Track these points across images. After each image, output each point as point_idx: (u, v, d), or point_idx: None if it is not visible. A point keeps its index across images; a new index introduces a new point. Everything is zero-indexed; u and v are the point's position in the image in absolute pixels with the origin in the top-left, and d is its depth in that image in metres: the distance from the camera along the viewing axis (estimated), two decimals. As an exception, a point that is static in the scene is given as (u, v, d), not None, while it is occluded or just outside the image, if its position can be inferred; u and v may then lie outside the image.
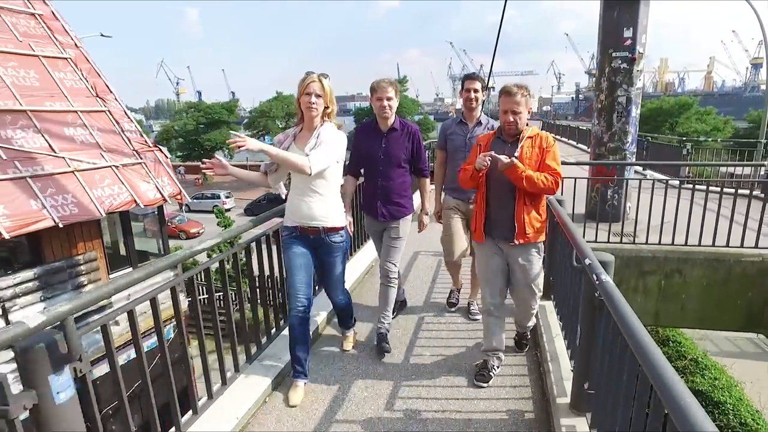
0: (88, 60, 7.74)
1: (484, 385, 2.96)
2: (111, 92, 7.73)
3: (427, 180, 3.54)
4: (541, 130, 3.00)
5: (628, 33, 5.78)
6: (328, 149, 2.73)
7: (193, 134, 40.97)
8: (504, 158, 2.67)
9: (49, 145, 6.40)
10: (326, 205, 2.85)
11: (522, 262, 2.89)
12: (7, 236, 5.38)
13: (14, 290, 6.04)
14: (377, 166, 3.36)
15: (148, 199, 7.09)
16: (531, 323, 3.23)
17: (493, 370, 3.03)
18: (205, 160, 2.71)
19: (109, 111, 7.46)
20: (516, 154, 2.75)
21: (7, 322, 5.92)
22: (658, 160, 12.06)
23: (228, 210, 28.75)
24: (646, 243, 4.90)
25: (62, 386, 1.55)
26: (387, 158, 3.34)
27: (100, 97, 7.49)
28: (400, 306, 4.05)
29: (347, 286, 3.40)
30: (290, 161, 2.65)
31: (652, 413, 1.37)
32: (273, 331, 3.48)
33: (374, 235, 3.66)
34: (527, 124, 2.86)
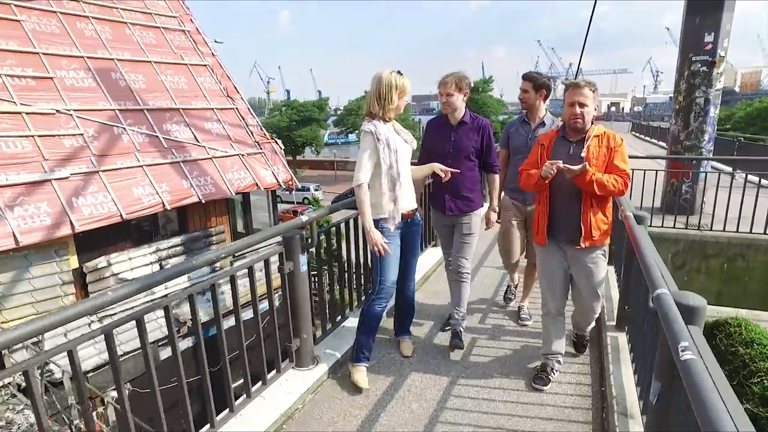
0: (221, 66, 9.23)
1: (544, 388, 2.89)
2: (237, 93, 9.17)
3: (496, 176, 3.48)
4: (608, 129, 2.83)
5: (709, 38, 6.14)
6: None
7: (286, 130, 43.79)
8: (575, 168, 2.55)
9: (194, 137, 7.87)
10: (413, 189, 3.08)
11: (588, 266, 2.79)
12: (168, 207, 6.84)
13: (167, 252, 7.55)
14: (446, 159, 3.27)
15: (266, 183, 8.40)
16: (591, 326, 3.15)
17: (552, 374, 2.96)
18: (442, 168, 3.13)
19: (236, 108, 8.89)
20: (582, 154, 2.63)
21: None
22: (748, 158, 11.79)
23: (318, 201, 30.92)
24: (711, 229, 5.32)
25: (303, 262, 2.79)
26: (456, 151, 3.30)
27: (230, 97, 8.94)
28: (461, 333, 3.76)
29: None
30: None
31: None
32: (339, 318, 3.67)
33: (442, 230, 3.58)
34: (593, 123, 2.73)
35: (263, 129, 9.19)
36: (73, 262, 6.54)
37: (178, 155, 7.39)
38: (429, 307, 4.13)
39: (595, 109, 2.68)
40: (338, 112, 52.14)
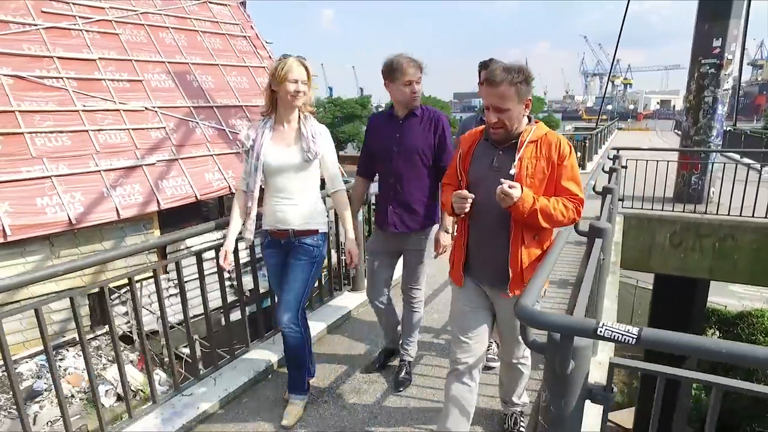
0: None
1: None
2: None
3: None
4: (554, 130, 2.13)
5: (717, 42, 6.74)
6: (334, 154, 2.56)
7: (330, 127, 45.05)
8: (511, 193, 1.81)
9: (255, 130, 9.05)
10: (303, 207, 2.49)
11: (512, 316, 1.85)
12: (234, 191, 8.03)
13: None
14: (391, 161, 2.68)
15: (316, 172, 9.51)
16: (522, 399, 2.43)
17: None
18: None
19: (291, 106, 10.04)
20: (512, 171, 1.91)
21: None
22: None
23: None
24: (705, 213, 6.00)
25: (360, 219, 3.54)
26: (403, 151, 2.65)
27: (285, 96, 10.10)
28: (410, 367, 3.10)
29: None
30: (349, 222, 2.63)
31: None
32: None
33: (382, 253, 2.89)
34: (530, 121, 2.00)
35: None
36: (157, 234, 7.80)
37: (241, 146, 8.57)
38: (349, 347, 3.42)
39: (526, 106, 1.91)
40: (379, 110, 53.36)
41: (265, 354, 3.17)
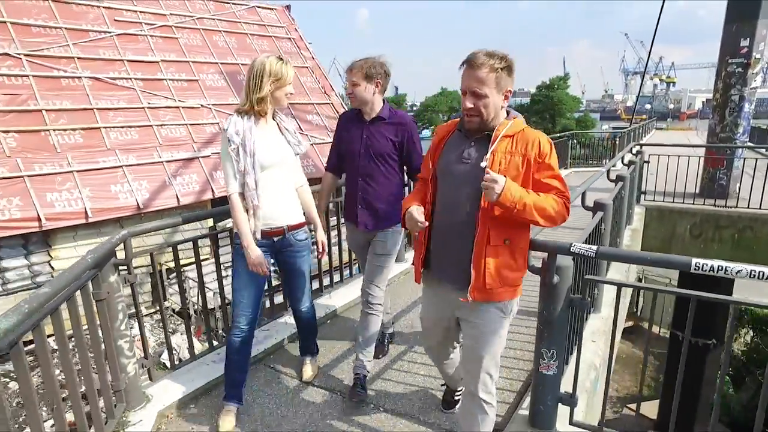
0: (319, 67, 11.03)
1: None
2: (333, 90, 10.93)
3: None
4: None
5: (745, 42, 6.97)
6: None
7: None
8: (493, 186, 1.70)
9: (299, 126, 9.70)
10: (292, 202, 2.57)
11: (477, 329, 1.92)
12: (280, 181, 8.70)
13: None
14: (357, 162, 2.77)
15: (354, 167, 10.10)
16: (487, 428, 2.02)
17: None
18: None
19: (331, 103, 10.65)
20: (483, 163, 1.78)
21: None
22: None
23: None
24: (725, 207, 6.26)
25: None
26: (368, 153, 2.74)
27: (326, 94, 10.72)
28: (390, 339, 3.35)
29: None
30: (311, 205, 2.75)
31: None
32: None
33: (357, 248, 3.05)
34: (508, 116, 1.89)
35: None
36: (210, 221, 8.54)
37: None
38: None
39: (506, 97, 1.82)
40: (414, 108, 53.82)
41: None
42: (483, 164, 1.77)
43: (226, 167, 2.39)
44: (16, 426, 4.73)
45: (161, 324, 3.04)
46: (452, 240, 1.91)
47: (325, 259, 3.16)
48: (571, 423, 2.01)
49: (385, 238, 2.82)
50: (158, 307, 7.61)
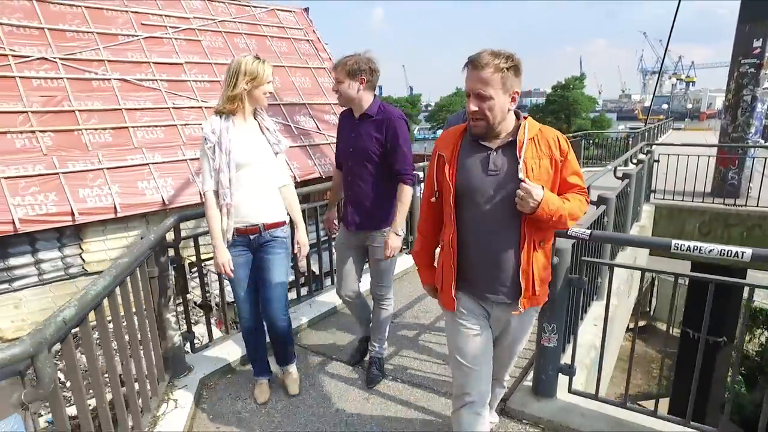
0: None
1: None
2: (349, 91, 11.19)
3: (406, 187, 2.70)
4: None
5: (757, 43, 7.05)
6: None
7: (378, 126, 46.43)
8: (533, 196, 1.68)
9: (317, 126, 9.97)
10: (270, 201, 2.59)
11: (517, 335, 1.99)
12: (298, 180, 8.96)
13: (294, 215, 9.73)
14: (348, 160, 2.79)
15: (370, 165, 10.35)
16: (501, 390, 2.31)
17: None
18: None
19: (348, 104, 10.92)
20: (521, 175, 1.72)
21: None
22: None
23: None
24: (734, 205, 6.37)
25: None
26: (356, 152, 2.73)
27: (343, 95, 10.99)
28: (382, 364, 3.15)
29: None
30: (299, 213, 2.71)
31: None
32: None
33: (347, 248, 2.93)
34: (518, 116, 1.81)
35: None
36: (231, 217, 8.86)
37: (304, 140, 9.52)
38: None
39: (513, 99, 1.73)
40: (429, 108, 54.01)
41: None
42: (521, 175, 1.71)
43: (203, 165, 2.46)
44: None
45: (184, 315, 3.31)
46: (493, 256, 1.82)
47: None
48: (569, 391, 2.25)
49: (382, 242, 2.77)
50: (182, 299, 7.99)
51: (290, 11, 11.52)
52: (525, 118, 1.81)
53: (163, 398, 2.64)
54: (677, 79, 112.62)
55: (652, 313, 14.33)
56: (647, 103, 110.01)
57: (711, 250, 1.60)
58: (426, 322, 3.83)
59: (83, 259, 6.94)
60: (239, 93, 2.40)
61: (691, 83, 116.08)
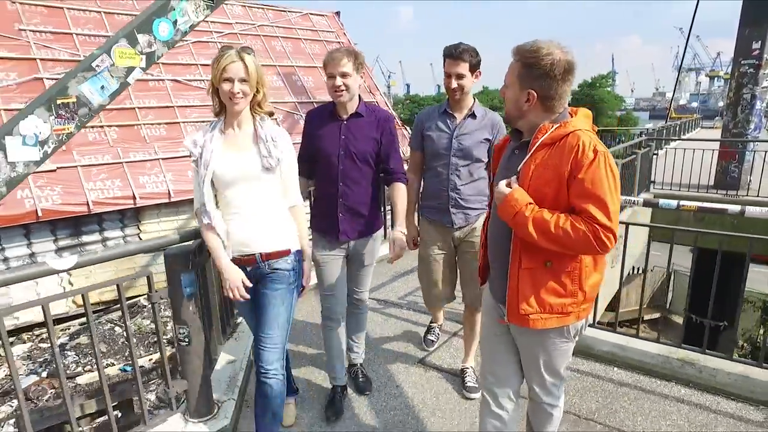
0: (365, 68, 12.12)
1: None
2: (377, 89, 11.97)
3: (402, 186, 2.61)
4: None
5: (756, 45, 7.53)
6: (294, 162, 2.21)
7: (408, 124, 47.00)
8: (503, 187, 1.60)
9: (345, 123, 10.81)
10: (269, 225, 2.16)
11: (532, 350, 1.78)
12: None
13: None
14: (336, 165, 2.51)
15: (394, 159, 11.14)
16: (551, 428, 1.99)
17: None
18: None
19: (376, 102, 11.70)
20: (513, 179, 1.61)
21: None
22: None
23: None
24: (735, 195, 6.91)
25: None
26: (349, 154, 2.50)
27: (371, 93, 11.78)
28: (364, 370, 3.08)
29: None
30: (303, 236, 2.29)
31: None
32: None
33: (334, 261, 2.65)
34: (558, 116, 1.61)
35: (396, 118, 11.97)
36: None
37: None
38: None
39: (531, 98, 1.58)
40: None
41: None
42: (512, 178, 1.60)
43: (193, 180, 2.14)
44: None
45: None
46: (495, 256, 1.78)
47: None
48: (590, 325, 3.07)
49: (367, 248, 2.66)
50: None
51: (323, 15, 12.40)
52: (572, 114, 1.62)
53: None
54: (714, 77, 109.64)
55: (668, 305, 14.69)
56: (682, 101, 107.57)
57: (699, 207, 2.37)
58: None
59: (140, 239, 7.91)
60: (213, 91, 2.10)
61: (726, 80, 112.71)
